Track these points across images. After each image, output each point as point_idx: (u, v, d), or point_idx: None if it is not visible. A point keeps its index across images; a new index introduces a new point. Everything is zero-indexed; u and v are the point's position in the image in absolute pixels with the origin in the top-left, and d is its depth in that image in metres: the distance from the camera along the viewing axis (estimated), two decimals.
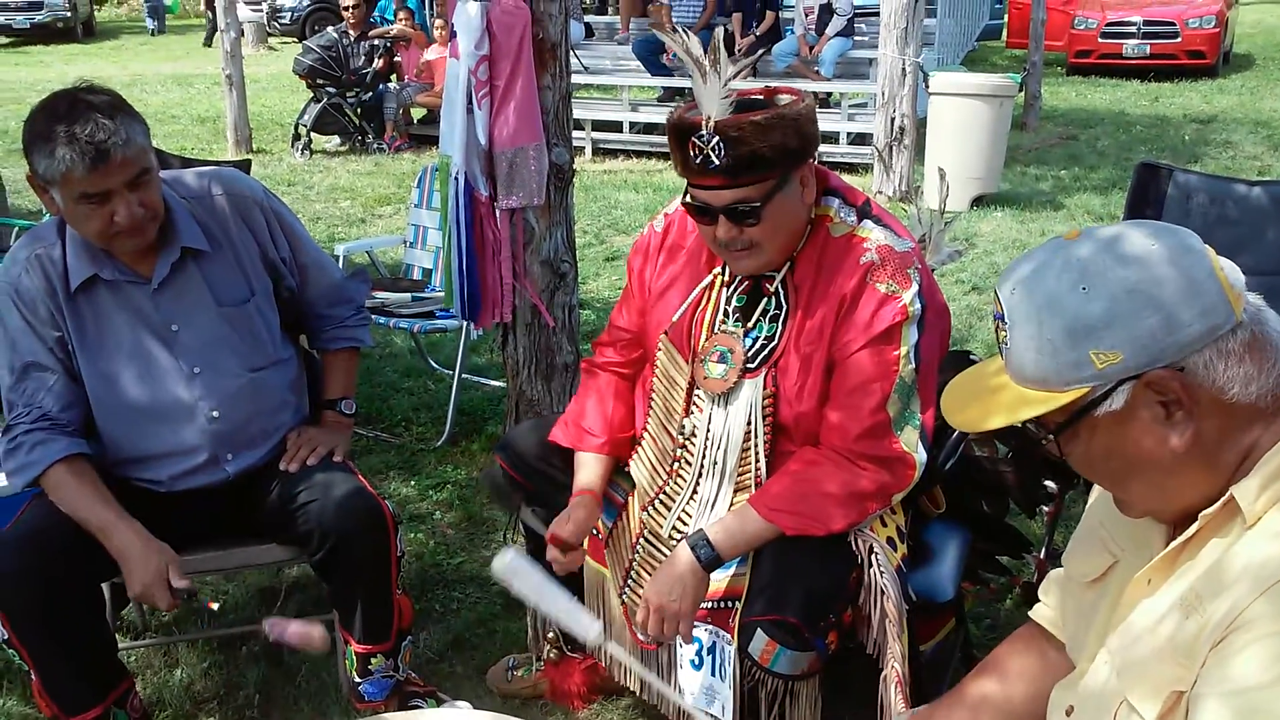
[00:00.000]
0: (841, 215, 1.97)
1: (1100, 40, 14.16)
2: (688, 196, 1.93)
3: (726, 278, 2.04)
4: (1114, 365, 1.12)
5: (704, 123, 1.83)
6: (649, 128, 10.07)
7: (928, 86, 7.77)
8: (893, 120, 7.78)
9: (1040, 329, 1.15)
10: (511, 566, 1.76)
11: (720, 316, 2.04)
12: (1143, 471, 1.17)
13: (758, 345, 1.99)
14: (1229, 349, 1.11)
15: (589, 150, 9.96)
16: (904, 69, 7.69)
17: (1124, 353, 1.11)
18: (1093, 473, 1.25)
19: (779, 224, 1.90)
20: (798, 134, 1.85)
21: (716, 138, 1.82)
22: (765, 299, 1.99)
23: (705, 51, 1.87)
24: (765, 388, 1.96)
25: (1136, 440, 1.15)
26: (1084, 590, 1.36)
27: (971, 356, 2.36)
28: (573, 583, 2.21)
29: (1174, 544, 1.17)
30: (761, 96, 1.90)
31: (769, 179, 1.85)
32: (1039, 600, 1.53)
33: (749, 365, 1.98)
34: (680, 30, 1.98)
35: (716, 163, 1.83)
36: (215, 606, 2.06)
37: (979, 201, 7.54)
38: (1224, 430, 1.13)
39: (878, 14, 8.19)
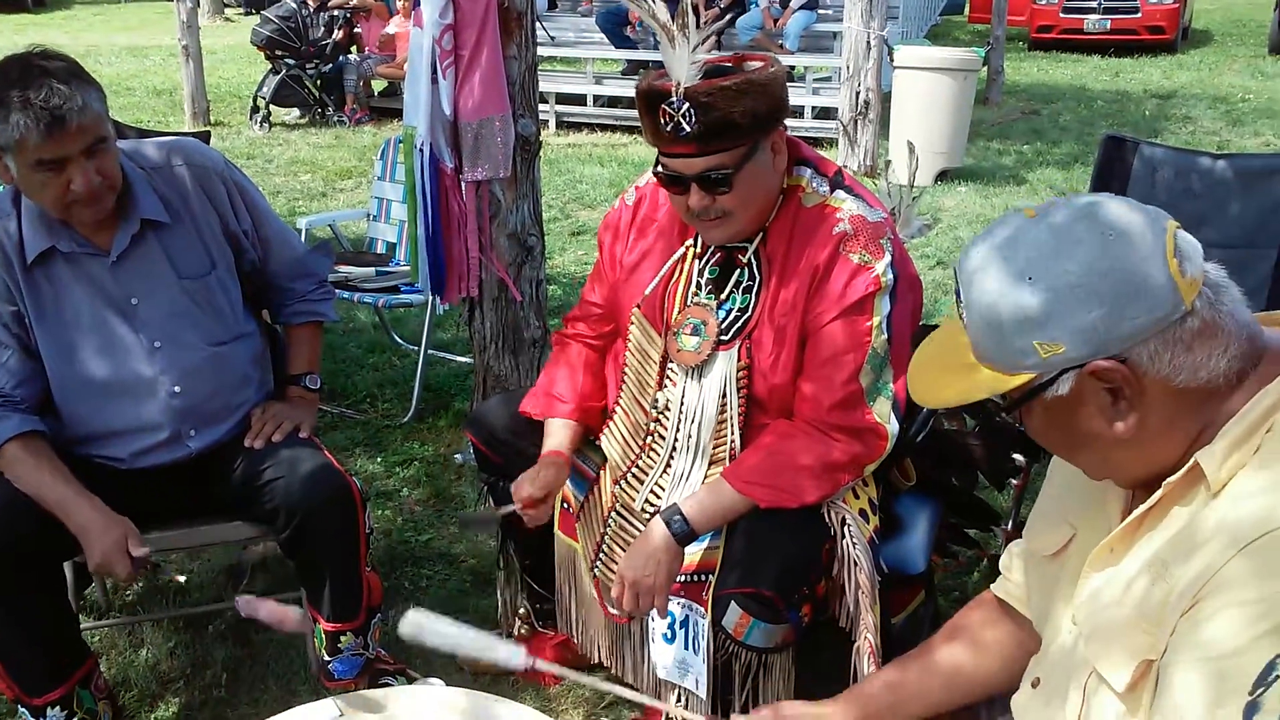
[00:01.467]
0: (814, 185, 1.95)
1: (1062, 15, 14.29)
2: (659, 166, 1.90)
3: (699, 249, 2.02)
4: (1057, 355, 1.13)
5: (674, 89, 1.80)
6: (613, 101, 9.99)
7: (892, 60, 7.77)
8: (857, 94, 7.77)
9: (988, 314, 1.16)
10: (416, 623, 1.73)
11: (693, 289, 2.02)
12: (1091, 448, 1.20)
13: (731, 317, 1.97)
14: (1176, 338, 1.11)
15: (553, 123, 9.88)
16: (869, 42, 7.68)
17: (1065, 344, 1.12)
18: (1047, 444, 1.28)
19: (751, 191, 1.88)
20: (768, 99, 1.83)
21: (687, 104, 1.79)
22: (738, 270, 1.97)
23: (673, 18, 1.84)
24: (739, 360, 1.95)
25: (1084, 422, 1.17)
26: (1046, 563, 1.37)
27: None
28: (544, 551, 2.20)
29: (1135, 514, 1.18)
30: (730, 64, 1.88)
31: (740, 145, 1.83)
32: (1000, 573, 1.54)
33: (723, 337, 1.97)
34: None
35: (687, 129, 1.81)
36: (183, 579, 2.02)
37: (943, 176, 7.57)
38: (1173, 414, 1.14)
39: None
